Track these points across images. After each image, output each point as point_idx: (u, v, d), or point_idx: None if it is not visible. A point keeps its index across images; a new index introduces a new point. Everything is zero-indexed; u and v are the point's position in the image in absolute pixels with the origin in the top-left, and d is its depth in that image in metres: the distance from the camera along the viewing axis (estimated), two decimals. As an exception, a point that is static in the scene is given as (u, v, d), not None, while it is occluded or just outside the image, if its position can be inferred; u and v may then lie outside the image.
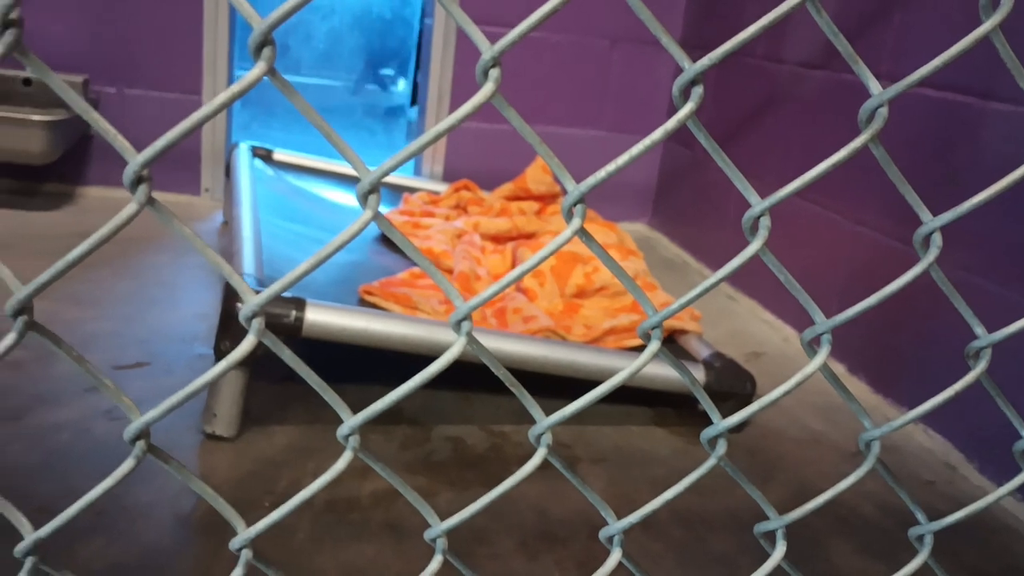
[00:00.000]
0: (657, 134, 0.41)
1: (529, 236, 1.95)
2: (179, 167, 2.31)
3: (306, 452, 1.17)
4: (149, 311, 1.57)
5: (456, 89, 2.41)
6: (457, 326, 0.46)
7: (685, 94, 0.41)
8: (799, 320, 1.79)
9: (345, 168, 2.30)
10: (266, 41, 0.37)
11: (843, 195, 1.68)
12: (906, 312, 1.48)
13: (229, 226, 1.87)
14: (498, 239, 1.95)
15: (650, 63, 2.50)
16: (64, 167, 2.25)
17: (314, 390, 0.46)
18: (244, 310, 0.45)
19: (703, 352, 1.43)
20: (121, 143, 0.39)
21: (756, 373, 1.55)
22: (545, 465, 1.21)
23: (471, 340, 0.45)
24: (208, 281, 1.76)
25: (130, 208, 0.40)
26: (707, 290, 0.45)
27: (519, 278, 0.44)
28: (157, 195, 2.37)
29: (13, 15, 0.35)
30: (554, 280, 1.63)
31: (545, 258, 0.44)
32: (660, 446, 1.32)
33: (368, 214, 0.41)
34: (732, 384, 1.35)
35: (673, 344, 1.49)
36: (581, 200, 0.42)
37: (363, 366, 1.44)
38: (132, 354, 1.39)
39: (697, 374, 1.34)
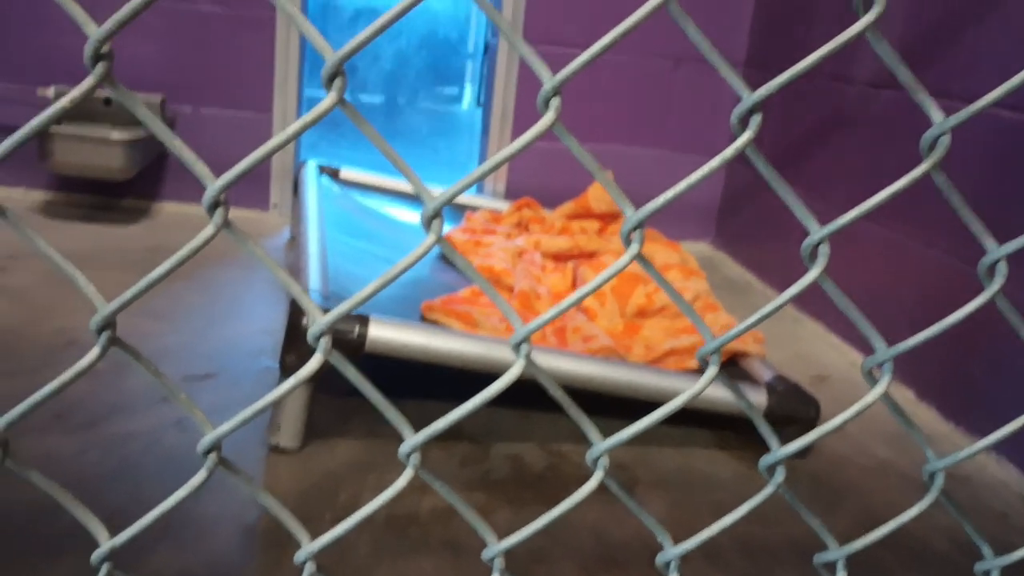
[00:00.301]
0: (715, 162, 0.41)
1: (590, 255, 1.95)
2: (249, 183, 2.37)
3: (367, 466, 1.19)
4: (218, 325, 1.62)
5: (519, 109, 2.43)
6: (516, 348, 0.46)
7: (743, 122, 0.41)
8: (866, 344, 1.76)
9: (411, 187, 2.33)
10: (337, 72, 0.38)
11: (912, 217, 1.64)
12: (978, 336, 1.44)
13: (296, 242, 1.92)
14: (559, 257, 1.95)
15: (713, 83, 2.48)
16: (141, 183, 2.33)
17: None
18: (312, 329, 0.46)
19: (766, 375, 1.41)
20: (200, 169, 0.41)
21: (821, 398, 1.52)
22: (604, 487, 1.20)
23: (530, 363, 0.45)
24: (275, 297, 1.80)
25: (208, 231, 0.42)
26: (766, 316, 0.45)
27: (578, 302, 0.45)
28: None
29: (105, 49, 0.37)
30: (615, 300, 1.63)
31: (604, 283, 0.44)
32: (722, 470, 1.30)
33: (432, 238, 0.42)
34: (795, 408, 1.33)
35: (735, 367, 1.48)
36: (640, 226, 0.42)
37: (424, 382, 1.46)
38: (202, 366, 1.43)
39: (759, 398, 1.32)
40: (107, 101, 2.15)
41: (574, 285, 1.73)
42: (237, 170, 0.40)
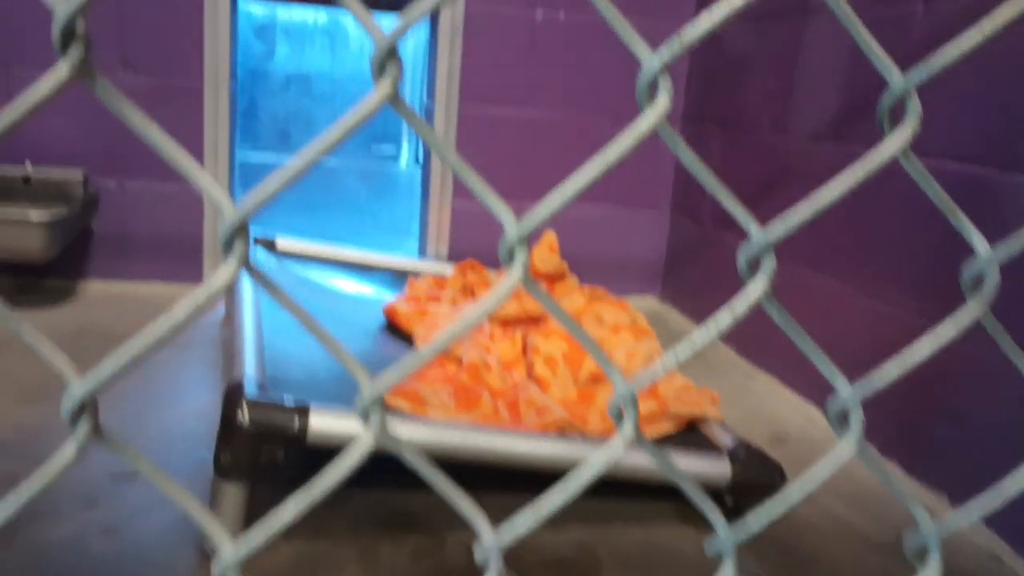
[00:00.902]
0: (627, 139, 0.34)
1: (539, 320, 1.90)
2: (181, 256, 2.28)
3: (314, 568, 1.10)
4: (151, 411, 1.52)
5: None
6: (364, 415, 0.37)
7: (652, 91, 0.35)
8: (823, 397, 1.73)
9: (351, 255, 2.26)
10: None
11: (859, 268, 1.63)
12: (939, 386, 1.42)
13: (231, 319, 1.83)
14: (507, 323, 1.90)
15: (652, 137, 2.48)
16: (65, 262, 2.22)
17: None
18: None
19: (727, 441, 1.36)
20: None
21: (781, 459, 1.49)
22: (568, 564, 1.14)
23: (383, 434, 0.36)
24: (211, 377, 1.71)
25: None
26: (695, 353, 0.39)
27: (443, 348, 0.38)
28: (156, 286, 2.34)
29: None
30: (567, 367, 1.58)
31: (489, 310, 0.38)
32: (686, 545, 1.25)
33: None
34: (760, 476, 1.28)
35: (694, 432, 1.43)
36: (523, 242, 0.35)
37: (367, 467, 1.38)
38: (128, 465, 1.33)
39: (721, 467, 1.28)
40: (26, 180, 2.05)
41: (524, 353, 1.68)
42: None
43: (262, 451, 1.08)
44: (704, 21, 0.33)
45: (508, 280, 0.34)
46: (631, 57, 2.42)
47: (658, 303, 2.56)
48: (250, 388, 1.14)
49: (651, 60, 0.34)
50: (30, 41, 2.10)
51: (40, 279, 2.23)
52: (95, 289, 2.24)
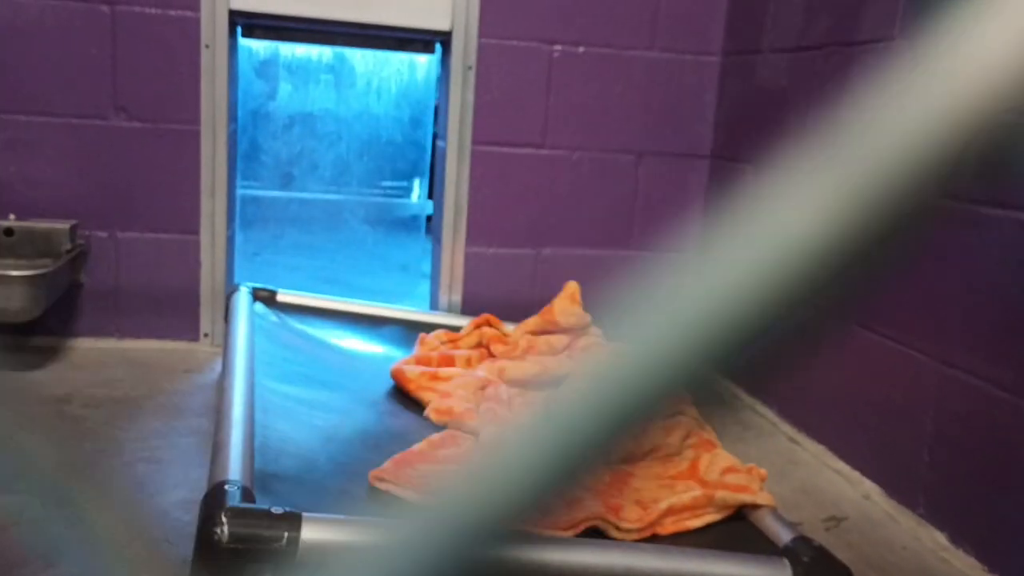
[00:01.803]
0: None
1: (561, 380, 1.74)
2: (176, 310, 2.13)
3: None
4: (129, 500, 1.36)
5: (472, 213, 2.24)
6: None
7: None
8: (880, 470, 1.55)
9: (354, 307, 2.11)
10: None
11: (923, 330, 1.46)
12: (1017, 472, 1.24)
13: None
14: (527, 385, 1.74)
15: (680, 175, 2.33)
16: (52, 318, 2.07)
17: None
18: None
19: (783, 535, 1.19)
20: None
21: (839, 547, 1.32)
22: None
23: None
24: (199, 453, 1.55)
25: None
26: None
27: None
28: (153, 343, 2.20)
29: None
30: (596, 443, 1.41)
31: None
32: (742, 665, 1.07)
33: None
34: (825, 583, 1.11)
35: (744, 523, 1.26)
36: None
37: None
38: (100, 567, 1.17)
39: (779, 572, 1.10)
40: (8, 232, 1.91)
41: (547, 426, 1.51)
42: None
43: (245, 571, 0.92)
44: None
45: None
46: (653, 93, 2.27)
47: (687, 353, 2.39)
48: (233, 492, 0.98)
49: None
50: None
51: (25, 337, 2.08)
52: (84, 347, 2.09)
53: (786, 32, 1.95)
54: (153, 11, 2.00)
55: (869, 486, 1.56)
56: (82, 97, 2.00)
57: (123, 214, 2.06)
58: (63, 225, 1.95)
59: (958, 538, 1.35)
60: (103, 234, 2.06)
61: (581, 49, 2.21)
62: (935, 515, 1.40)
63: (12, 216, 1.96)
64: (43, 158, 2.00)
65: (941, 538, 1.37)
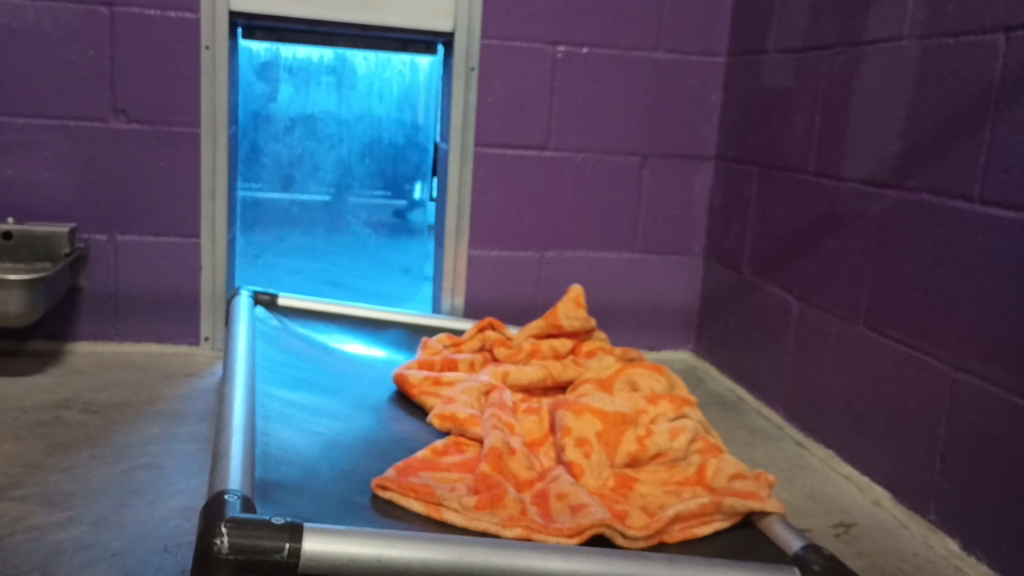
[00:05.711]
0: None
1: (566, 385, 1.72)
2: (176, 314, 2.11)
3: None
4: (129, 506, 1.34)
5: (475, 215, 2.22)
6: None
7: None
8: (890, 477, 1.53)
9: (357, 310, 2.09)
10: None
11: (936, 334, 1.44)
12: (1031, 478, 1.22)
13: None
14: (531, 390, 1.72)
15: (685, 177, 2.31)
16: (50, 322, 2.06)
17: None
18: None
19: (793, 543, 1.17)
20: None
21: (849, 555, 1.29)
22: None
23: None
24: (200, 459, 1.53)
25: None
26: None
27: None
28: (153, 347, 2.17)
29: None
30: (602, 449, 1.39)
31: None
32: (753, 676, 1.05)
33: None
34: (837, 592, 1.08)
35: (751, 530, 1.24)
36: None
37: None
38: (100, 572, 1.15)
39: (791, 580, 1.08)
40: (6, 235, 1.90)
41: (552, 431, 1.49)
42: None
43: (245, 583, 0.90)
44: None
45: None
46: (658, 94, 2.25)
47: (693, 358, 2.37)
48: (233, 502, 0.96)
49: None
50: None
51: (23, 341, 2.07)
52: (83, 351, 2.07)
53: (792, 32, 1.93)
54: (152, 12, 1.98)
55: (879, 492, 1.54)
56: (81, 99, 1.98)
57: (123, 217, 2.04)
58: (62, 228, 1.94)
59: (970, 545, 1.33)
60: (102, 237, 2.04)
61: (585, 50, 2.19)
62: (946, 522, 1.38)
63: (11, 219, 1.94)
64: (42, 161, 1.98)
65: (953, 545, 1.35)
